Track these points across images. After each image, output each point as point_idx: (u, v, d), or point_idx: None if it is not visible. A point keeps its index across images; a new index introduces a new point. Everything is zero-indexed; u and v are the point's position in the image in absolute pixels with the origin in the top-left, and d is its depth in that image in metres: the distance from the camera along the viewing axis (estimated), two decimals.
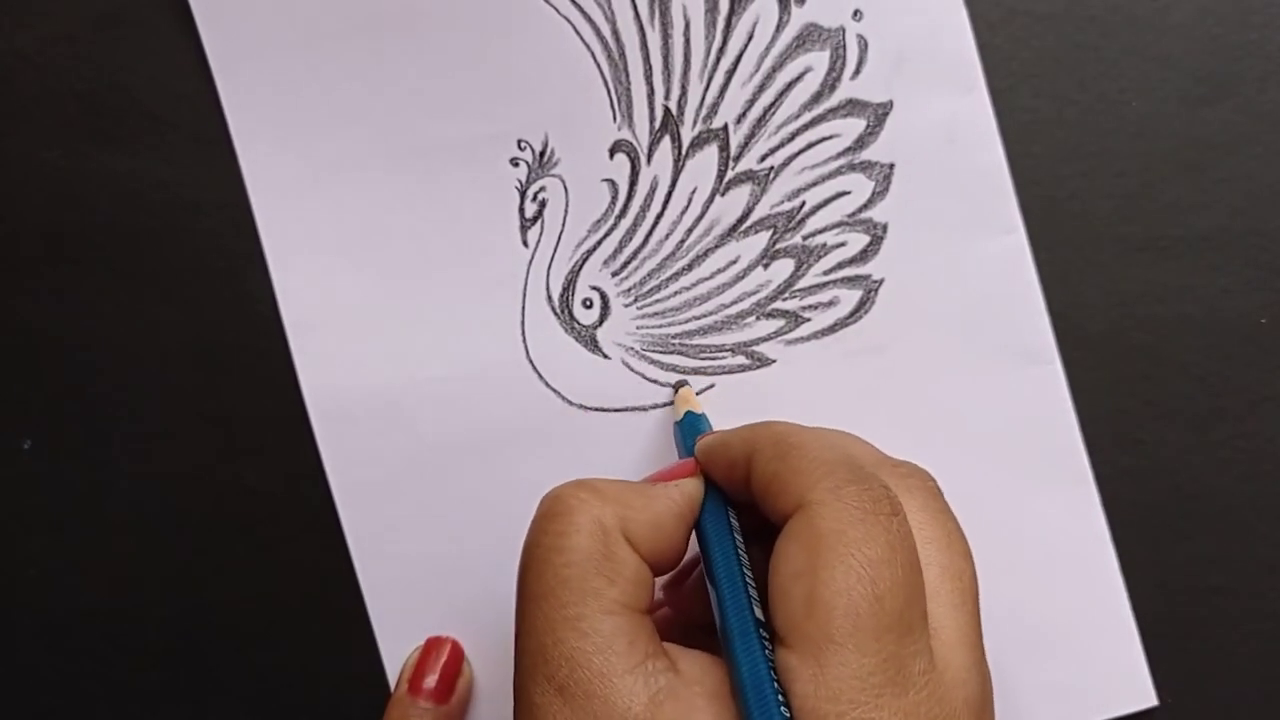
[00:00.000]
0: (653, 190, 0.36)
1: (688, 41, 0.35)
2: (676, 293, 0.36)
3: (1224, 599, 0.36)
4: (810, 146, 0.36)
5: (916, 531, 0.28)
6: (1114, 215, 0.36)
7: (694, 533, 0.30)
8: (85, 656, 0.37)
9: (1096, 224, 0.36)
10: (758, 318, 0.36)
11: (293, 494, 0.36)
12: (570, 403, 0.36)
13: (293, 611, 0.37)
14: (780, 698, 0.25)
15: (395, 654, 0.36)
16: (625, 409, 0.36)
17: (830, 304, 0.36)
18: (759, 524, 0.29)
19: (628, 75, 0.35)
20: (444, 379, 0.36)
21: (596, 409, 0.36)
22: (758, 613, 0.27)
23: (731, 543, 0.29)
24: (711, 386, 0.36)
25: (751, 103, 0.36)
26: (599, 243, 0.36)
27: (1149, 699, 0.36)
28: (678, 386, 0.36)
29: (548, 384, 0.36)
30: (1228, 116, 0.36)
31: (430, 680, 0.35)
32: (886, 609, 0.25)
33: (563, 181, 0.36)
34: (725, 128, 0.36)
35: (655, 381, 0.36)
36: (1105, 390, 0.36)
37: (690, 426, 0.34)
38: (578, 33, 0.35)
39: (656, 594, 0.32)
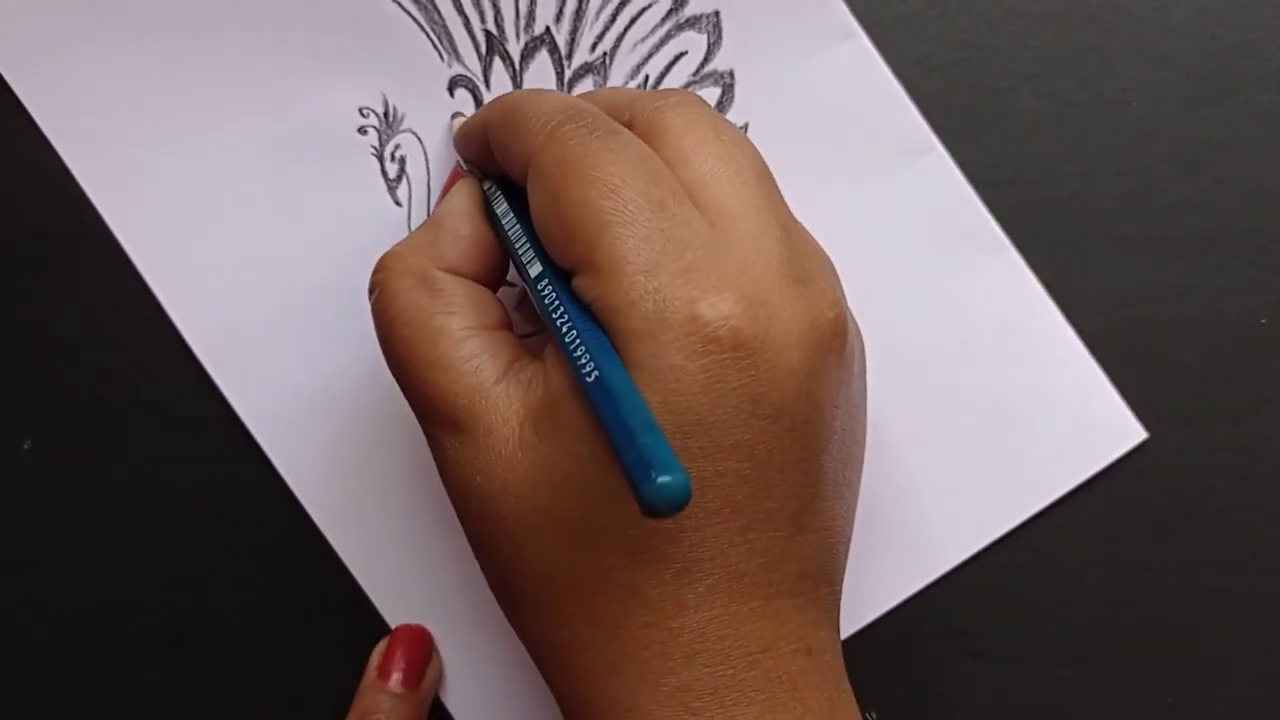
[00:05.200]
0: None
1: None
2: None
3: (1224, 599, 0.36)
4: (634, 21, 0.36)
5: (681, 139, 0.28)
6: (1114, 215, 0.36)
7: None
8: (85, 656, 0.37)
9: (1096, 224, 0.36)
10: None
11: (292, 493, 0.36)
12: None
13: (293, 610, 0.37)
14: (577, 314, 0.27)
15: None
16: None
17: None
18: None
19: (440, 14, 0.35)
20: (367, 359, 0.36)
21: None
22: (546, 264, 0.28)
23: (514, 219, 0.30)
24: None
25: None
26: None
27: (1138, 434, 0.36)
28: (454, 118, 0.36)
29: None
30: (1228, 116, 0.36)
31: (399, 667, 0.35)
32: (626, 197, 0.26)
33: (414, 134, 0.36)
34: (548, 30, 0.36)
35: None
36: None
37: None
38: None
39: (521, 325, 0.34)
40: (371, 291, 0.30)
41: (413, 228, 0.36)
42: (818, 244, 0.30)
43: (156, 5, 0.35)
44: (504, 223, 0.30)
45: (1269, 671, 0.36)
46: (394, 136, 0.36)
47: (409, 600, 0.36)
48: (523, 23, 0.36)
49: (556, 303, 0.27)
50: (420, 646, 0.36)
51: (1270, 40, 0.36)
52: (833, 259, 0.36)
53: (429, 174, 0.36)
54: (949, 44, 0.36)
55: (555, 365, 0.27)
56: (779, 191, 0.29)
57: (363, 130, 0.36)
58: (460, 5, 0.35)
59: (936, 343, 0.36)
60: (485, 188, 0.32)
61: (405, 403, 0.36)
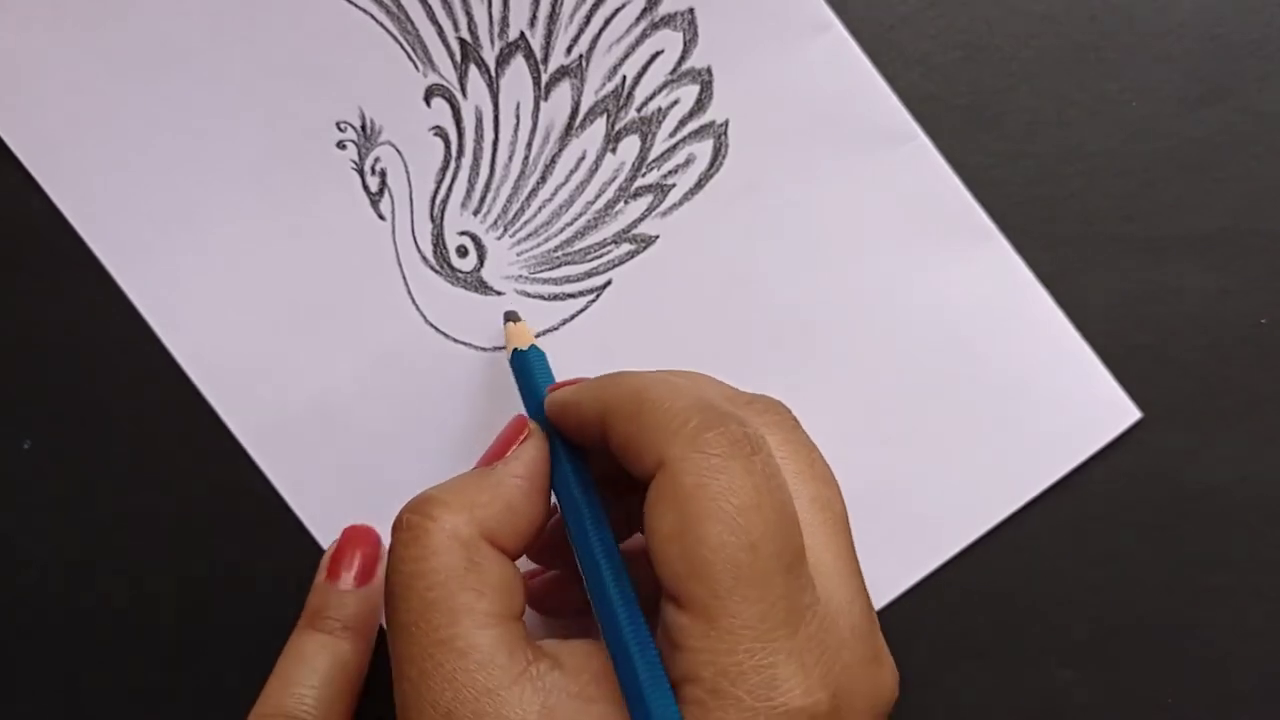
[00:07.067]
0: (479, 121, 0.36)
1: None
2: (540, 208, 0.36)
3: (1224, 599, 0.36)
4: (608, 22, 0.36)
5: (780, 466, 0.27)
6: (1114, 215, 0.36)
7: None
8: (85, 656, 0.37)
9: (1096, 224, 0.36)
10: (625, 201, 0.36)
11: None
12: (485, 349, 0.36)
13: (294, 610, 0.36)
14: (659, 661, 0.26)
15: None
16: (537, 335, 0.36)
17: (688, 162, 0.36)
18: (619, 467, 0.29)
19: (413, 23, 0.36)
20: (359, 374, 0.36)
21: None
22: (624, 580, 0.27)
23: (587, 507, 0.29)
24: (609, 284, 0.36)
25: (537, 1, 0.36)
26: (450, 190, 0.36)
27: (1131, 414, 0.36)
28: (508, 318, 0.34)
29: (456, 340, 0.36)
30: (1228, 116, 0.36)
31: (350, 565, 0.35)
32: (764, 554, 0.25)
33: (393, 146, 0.36)
34: (522, 35, 0.36)
35: (555, 298, 0.36)
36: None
37: (532, 363, 0.33)
38: (352, 2, 0.36)
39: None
40: (402, 529, 0.28)
41: (397, 240, 0.36)
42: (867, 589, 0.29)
43: (128, 31, 0.35)
44: (593, 522, 0.28)
45: (1269, 671, 0.36)
46: (373, 149, 0.36)
47: None
48: (496, 29, 0.36)
49: (643, 648, 0.26)
50: (370, 544, 0.35)
51: (1270, 40, 0.36)
52: (821, 252, 0.36)
53: (410, 187, 0.36)
54: (949, 44, 0.36)
55: (598, 687, 0.26)
56: (851, 533, 0.29)
57: (341, 145, 0.36)
58: (433, 13, 0.36)
59: (927, 331, 0.36)
60: (574, 468, 0.30)
61: (403, 415, 0.36)
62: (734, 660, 0.25)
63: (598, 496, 0.29)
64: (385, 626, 0.27)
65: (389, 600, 0.27)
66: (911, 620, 0.36)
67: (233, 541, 0.36)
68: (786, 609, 0.25)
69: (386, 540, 0.36)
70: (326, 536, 0.36)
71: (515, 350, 0.33)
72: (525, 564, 0.33)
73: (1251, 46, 0.36)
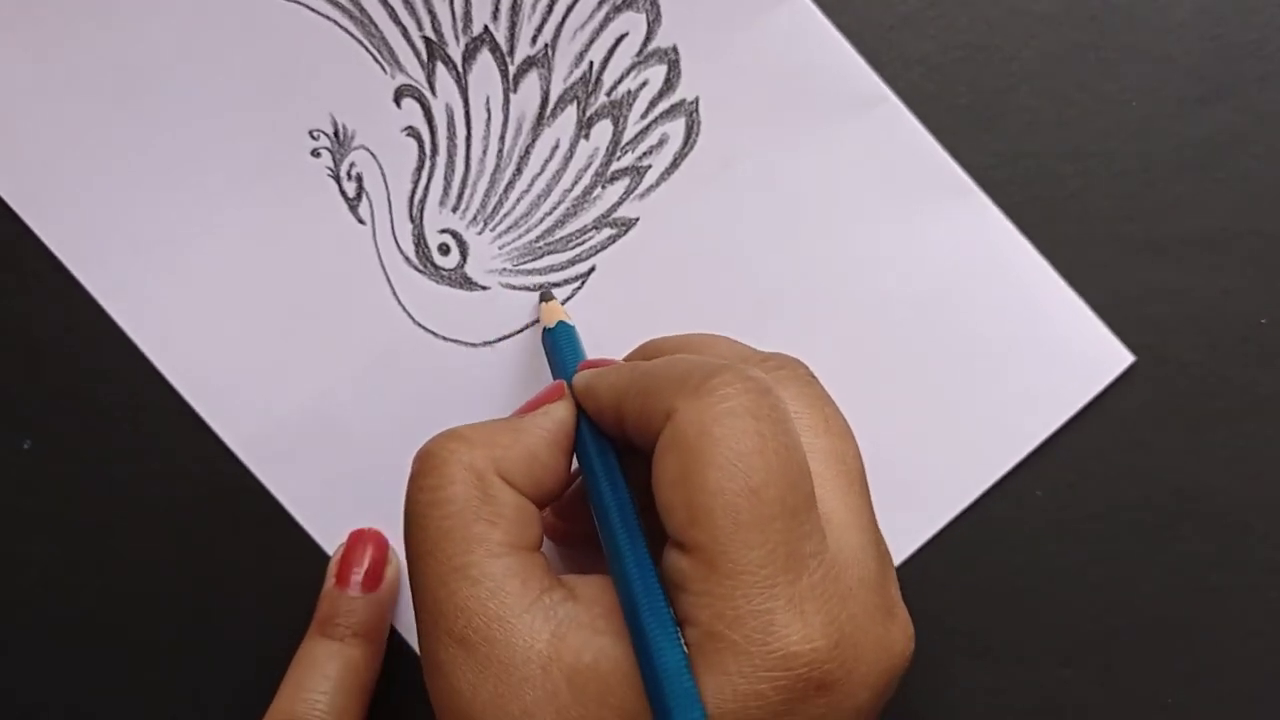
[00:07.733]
0: (450, 118, 0.36)
1: None
2: (519, 199, 0.36)
3: (1224, 599, 0.36)
4: (570, 9, 0.36)
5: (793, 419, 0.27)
6: (1114, 215, 0.36)
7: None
8: (85, 656, 0.37)
9: (1096, 224, 0.36)
10: (602, 186, 0.36)
11: None
12: (476, 345, 0.36)
13: (294, 609, 0.37)
14: (667, 605, 0.26)
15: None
16: (526, 326, 0.36)
17: (661, 143, 0.36)
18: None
19: (377, 26, 0.36)
20: (351, 379, 0.36)
21: (501, 339, 0.36)
22: (637, 527, 0.28)
23: (607, 460, 0.29)
24: (593, 269, 0.36)
25: None
26: (427, 189, 0.36)
27: (1124, 359, 0.36)
28: (543, 297, 0.36)
29: (445, 338, 0.36)
30: (1228, 116, 0.36)
31: (358, 571, 0.35)
32: (765, 499, 0.25)
33: (367, 149, 0.36)
34: (486, 29, 0.36)
35: (541, 288, 0.36)
36: (1105, 389, 0.36)
37: (559, 339, 0.34)
38: (313, 9, 0.36)
39: (545, 514, 0.31)
40: (421, 459, 0.28)
41: (378, 242, 0.36)
42: (886, 545, 0.29)
43: (97, 53, 0.35)
44: (611, 473, 0.29)
45: (1269, 671, 0.36)
46: (348, 155, 0.36)
47: (406, 610, 0.36)
48: (460, 24, 0.36)
49: (647, 598, 0.26)
50: (376, 548, 0.35)
51: (1270, 40, 0.36)
52: (801, 220, 0.36)
53: (388, 189, 0.36)
54: (949, 44, 0.36)
55: (608, 620, 0.26)
56: (868, 489, 0.29)
57: (315, 153, 0.36)
58: (395, 14, 0.36)
59: (913, 292, 0.36)
60: (589, 438, 0.30)
61: (398, 416, 0.36)
62: (731, 605, 0.25)
63: (614, 457, 0.29)
64: (405, 557, 0.28)
65: (406, 529, 0.28)
66: (911, 619, 0.36)
67: (234, 541, 0.36)
68: (787, 554, 0.25)
69: (391, 541, 0.36)
70: (328, 539, 0.36)
71: (545, 329, 0.34)
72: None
73: (1251, 46, 0.36)
